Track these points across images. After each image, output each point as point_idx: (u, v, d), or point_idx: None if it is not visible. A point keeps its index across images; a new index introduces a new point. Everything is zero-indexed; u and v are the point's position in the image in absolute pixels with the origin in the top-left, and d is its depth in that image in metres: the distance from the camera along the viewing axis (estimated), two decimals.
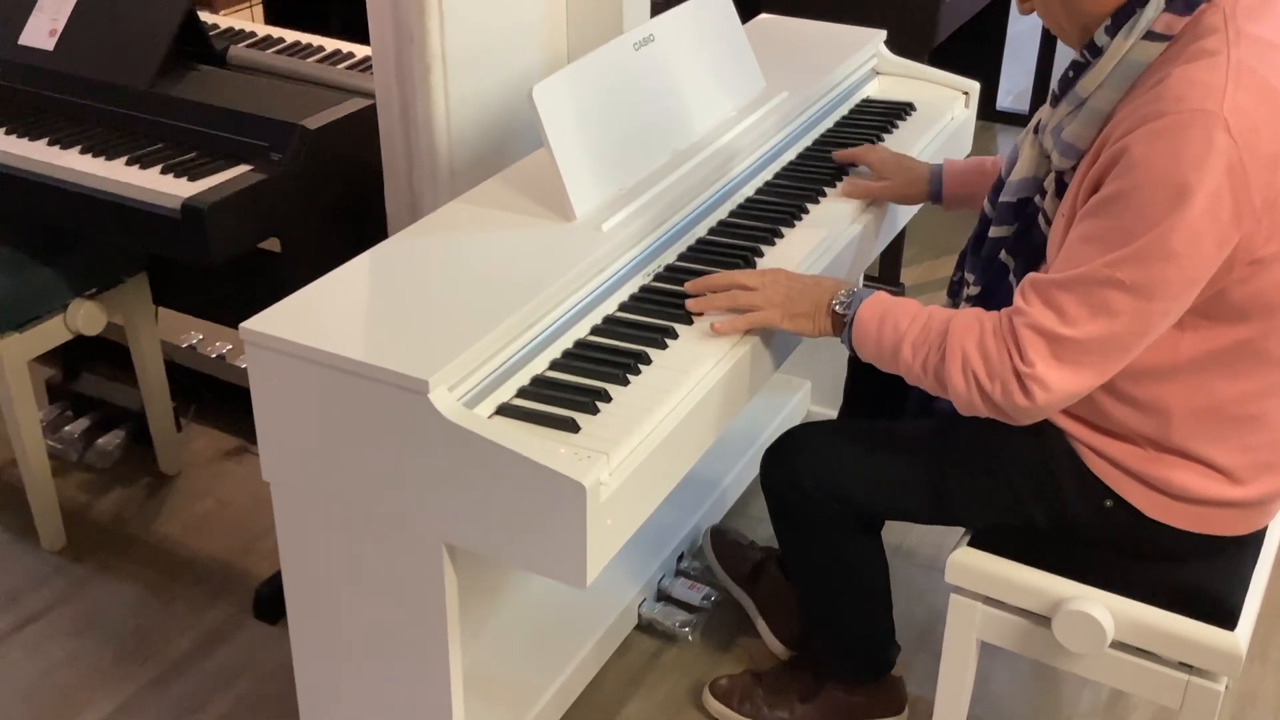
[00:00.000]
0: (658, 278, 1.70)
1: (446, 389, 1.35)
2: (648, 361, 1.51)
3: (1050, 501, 1.57)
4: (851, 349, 1.59)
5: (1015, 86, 4.58)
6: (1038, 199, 1.60)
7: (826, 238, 1.83)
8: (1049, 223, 1.57)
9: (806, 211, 1.89)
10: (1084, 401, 1.50)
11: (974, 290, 1.69)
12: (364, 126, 2.04)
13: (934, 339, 1.49)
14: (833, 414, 2.12)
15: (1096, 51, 1.46)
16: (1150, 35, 1.42)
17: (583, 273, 1.57)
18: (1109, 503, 1.54)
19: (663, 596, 2.18)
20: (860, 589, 1.81)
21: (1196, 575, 1.55)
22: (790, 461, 1.72)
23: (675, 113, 1.87)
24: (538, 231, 1.64)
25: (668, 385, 1.47)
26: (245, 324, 1.41)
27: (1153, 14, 1.41)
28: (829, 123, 2.20)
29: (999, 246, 1.65)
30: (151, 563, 2.33)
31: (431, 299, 1.48)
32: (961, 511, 1.64)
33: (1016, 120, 4.37)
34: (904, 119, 2.23)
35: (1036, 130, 1.61)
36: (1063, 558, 1.59)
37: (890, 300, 1.57)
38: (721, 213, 1.87)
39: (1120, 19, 1.43)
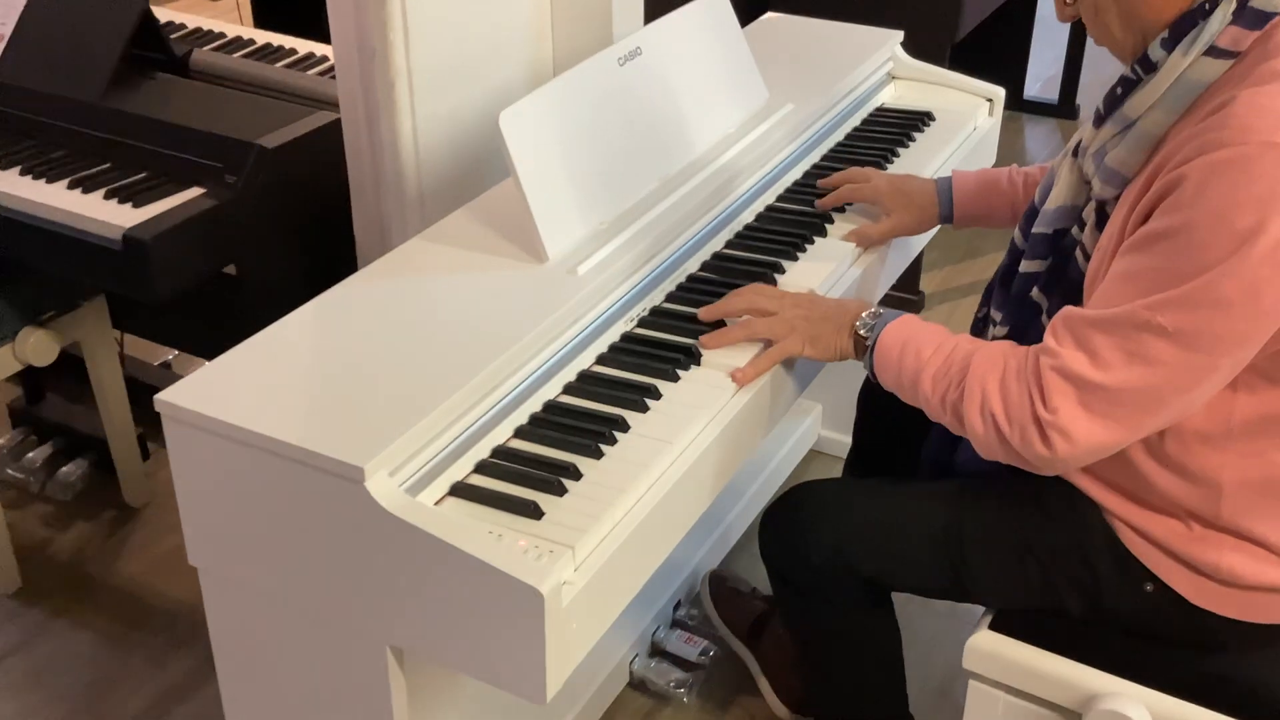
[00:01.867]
0: (642, 323, 1.52)
1: (387, 473, 1.18)
2: (625, 428, 1.33)
3: (1084, 584, 1.39)
4: (873, 375, 1.43)
5: (1044, 73, 4.34)
6: (1075, 231, 1.42)
7: (834, 271, 1.65)
8: (1088, 258, 1.38)
9: (811, 242, 1.70)
10: (1124, 470, 1.32)
11: (1000, 330, 1.50)
12: (331, 142, 1.86)
13: (955, 373, 1.32)
14: (846, 439, 1.93)
15: (1150, 67, 1.28)
16: (1213, 51, 1.24)
17: (554, 325, 1.39)
18: (1149, 587, 1.36)
19: (656, 651, 2.02)
20: (869, 662, 1.64)
21: (1245, 668, 1.37)
22: (792, 530, 1.54)
23: (665, 134, 1.68)
24: (506, 275, 1.46)
25: (647, 457, 1.30)
26: (162, 395, 1.24)
27: (1217, 27, 1.23)
28: (839, 135, 2.01)
29: (1031, 283, 1.47)
30: (111, 608, 2.17)
31: (377, 362, 1.30)
32: (984, 591, 1.46)
33: (1044, 110, 4.14)
34: (921, 130, 2.04)
35: (1075, 153, 1.43)
36: (1096, 645, 1.41)
37: (917, 325, 1.40)
38: (717, 243, 1.69)
39: (1180, 31, 1.25)
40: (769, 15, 2.28)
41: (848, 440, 1.92)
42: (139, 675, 2.04)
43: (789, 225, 1.74)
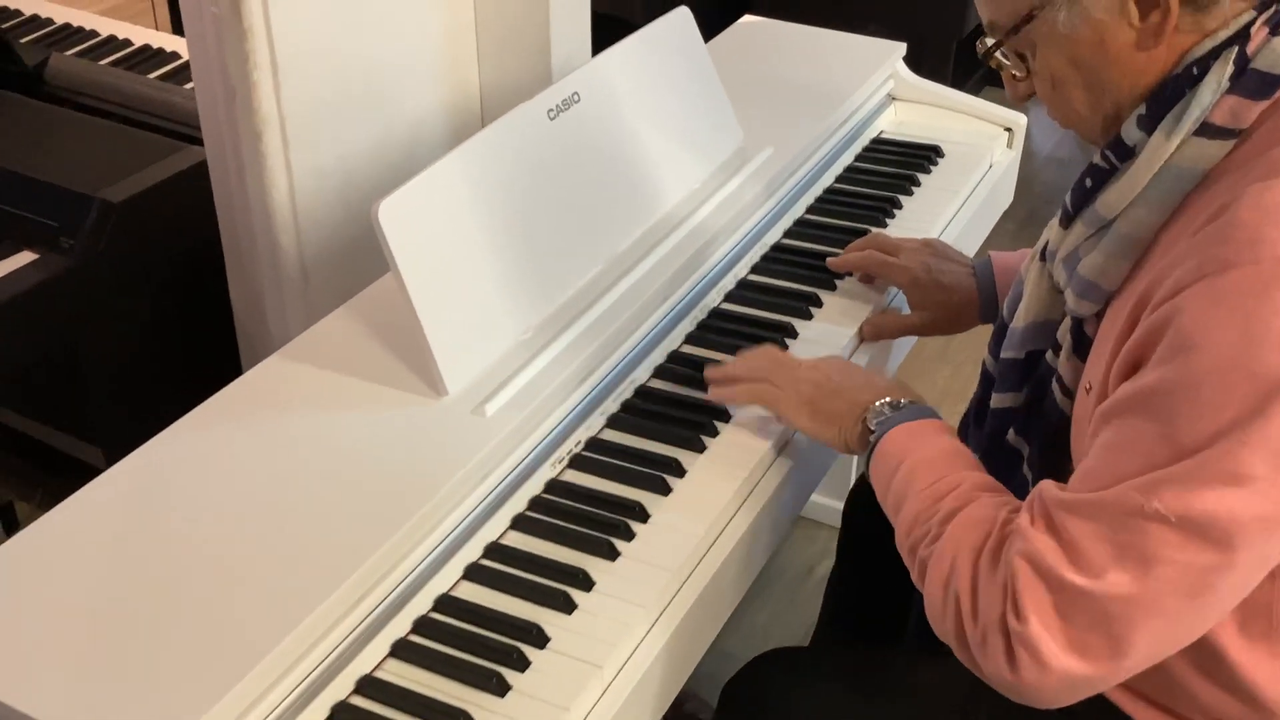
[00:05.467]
0: (575, 463, 1.18)
1: None
2: (542, 643, 0.99)
3: None
4: (870, 479, 1.11)
5: None
6: (1050, 356, 1.09)
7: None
8: (1068, 394, 1.06)
9: (795, 333, 1.35)
10: (1159, 678, 0.99)
11: None
12: (204, 190, 1.49)
13: (936, 523, 0.99)
14: (838, 506, 1.59)
15: (1126, 153, 0.97)
16: (1207, 129, 0.92)
17: (448, 498, 1.04)
18: None
19: None
20: None
21: None
22: (755, 714, 1.21)
23: (612, 203, 1.32)
24: (390, 420, 1.10)
25: (573, 686, 0.96)
26: None
27: (1210, 98, 0.92)
28: (828, 178, 1.65)
29: (1005, 422, 1.13)
30: None
31: (182, 589, 0.95)
32: None
33: None
34: (928, 170, 1.68)
35: (1044, 256, 1.09)
36: None
37: (930, 438, 1.07)
38: (675, 338, 1.34)
39: (1161, 104, 0.94)
40: (746, 19, 1.91)
41: (837, 507, 1.58)
42: None
43: (768, 306, 1.39)
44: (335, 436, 1.08)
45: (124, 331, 1.50)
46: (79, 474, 1.09)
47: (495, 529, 1.09)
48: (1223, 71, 0.92)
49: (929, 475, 1.03)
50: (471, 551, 1.07)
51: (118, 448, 1.09)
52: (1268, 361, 0.82)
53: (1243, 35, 0.92)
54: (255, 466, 1.05)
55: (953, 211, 1.62)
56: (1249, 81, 0.91)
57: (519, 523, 1.11)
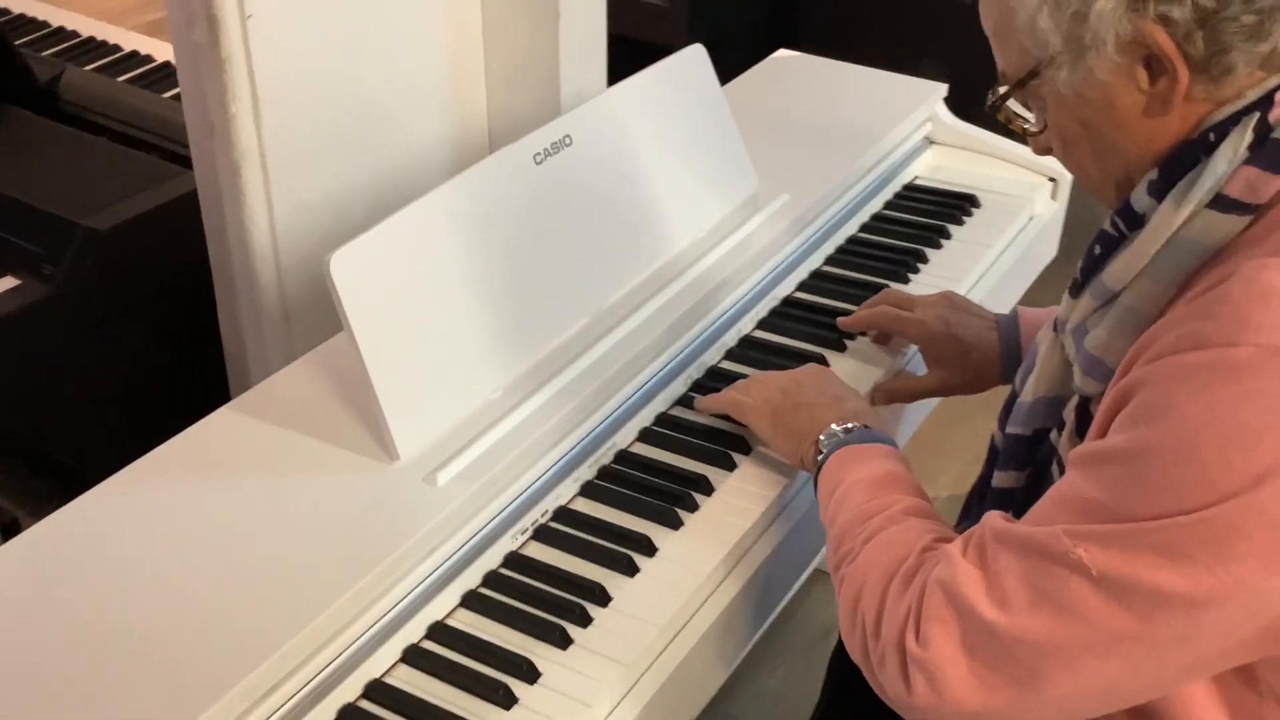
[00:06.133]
0: (540, 533, 1.10)
1: None
2: None
3: None
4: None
5: None
6: (1054, 435, 0.99)
7: None
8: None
9: None
10: None
11: None
12: (198, 216, 1.44)
13: (859, 542, 0.95)
14: None
15: (1135, 220, 0.89)
16: (1220, 202, 0.84)
17: (388, 573, 0.97)
18: None
19: None
20: None
21: None
22: None
23: (602, 251, 1.24)
24: (333, 483, 1.03)
25: None
26: None
27: (1225, 168, 0.83)
28: (852, 226, 1.56)
29: (1006, 502, 1.04)
30: None
31: (61, 674, 0.89)
32: None
33: None
34: (961, 221, 1.58)
35: (1057, 327, 1.00)
36: None
37: (872, 458, 1.04)
38: (665, 399, 1.25)
39: (1173, 172, 0.86)
40: (781, 54, 1.82)
41: None
42: None
43: (773, 366, 1.30)
44: (271, 500, 1.02)
45: (108, 360, 1.45)
46: (57, 500, 1.04)
47: (442, 606, 1.02)
48: (1240, 140, 0.83)
49: (862, 496, 1.00)
50: (413, 632, 0.99)
51: (97, 477, 1.05)
52: (1226, 457, 0.75)
53: (1265, 102, 0.83)
54: (177, 533, 0.98)
55: (983, 268, 1.52)
56: (1269, 152, 0.82)
57: (469, 600, 1.03)
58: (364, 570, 0.95)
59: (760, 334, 1.37)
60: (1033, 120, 0.96)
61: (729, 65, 1.58)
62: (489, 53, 1.48)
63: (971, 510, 1.13)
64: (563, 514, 1.12)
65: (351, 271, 1.01)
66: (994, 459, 1.08)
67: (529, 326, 1.16)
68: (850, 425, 1.08)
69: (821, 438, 1.08)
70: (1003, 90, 0.94)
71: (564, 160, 1.21)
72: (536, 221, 1.16)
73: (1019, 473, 1.04)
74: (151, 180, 1.50)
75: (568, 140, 1.22)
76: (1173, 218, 0.85)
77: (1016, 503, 1.04)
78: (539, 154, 1.19)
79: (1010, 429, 1.04)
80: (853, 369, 1.31)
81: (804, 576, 1.52)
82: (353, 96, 1.34)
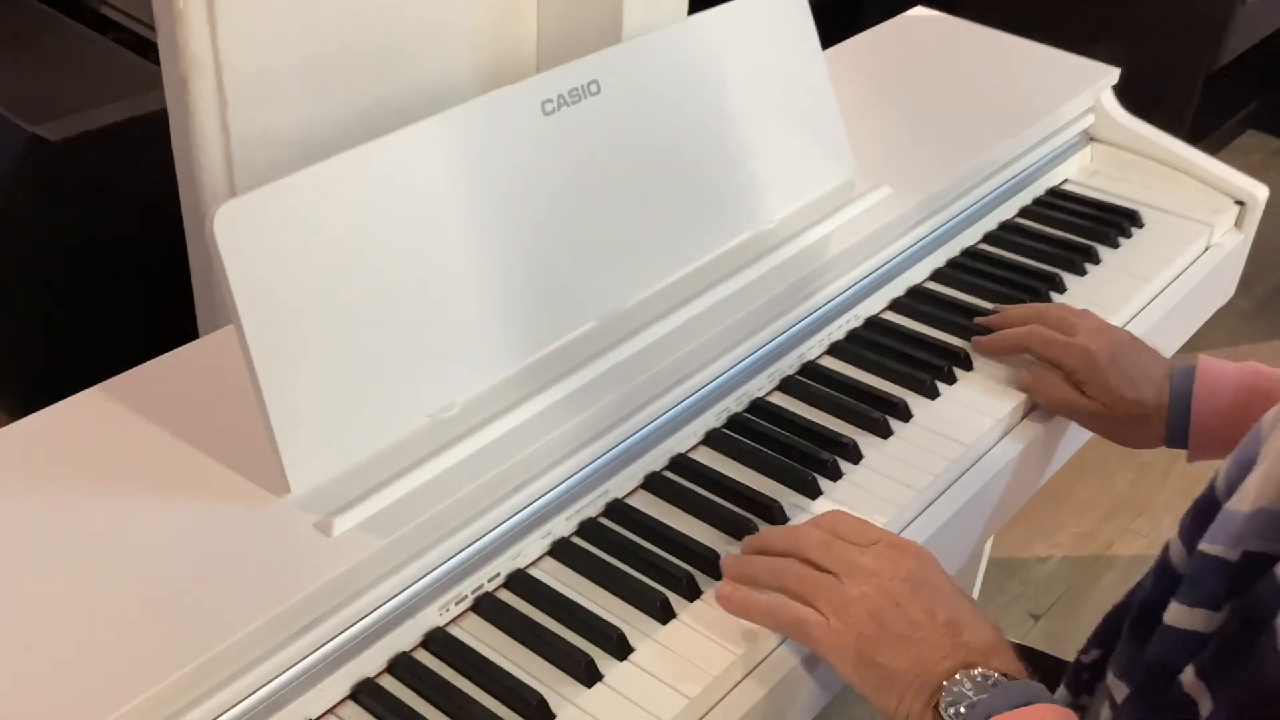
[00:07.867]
0: (480, 605, 0.82)
1: None
2: None
3: None
4: None
5: None
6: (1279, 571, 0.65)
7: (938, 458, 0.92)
8: None
9: (837, 471, 0.96)
10: None
11: (1118, 695, 0.75)
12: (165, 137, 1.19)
13: None
14: None
15: None
16: None
17: (251, 646, 0.70)
18: None
19: None
20: None
21: None
22: None
23: (615, 240, 0.95)
24: (202, 512, 0.77)
25: None
26: None
27: None
28: (973, 234, 1.24)
29: (1182, 653, 0.69)
30: None
31: None
32: None
33: None
34: (1116, 242, 1.25)
35: None
36: None
37: None
38: (682, 440, 0.96)
39: None
40: (917, 11, 1.49)
41: None
42: None
43: (830, 407, 1.00)
44: (124, 522, 0.76)
45: (52, 285, 1.23)
46: None
47: (328, 696, 0.75)
48: None
49: None
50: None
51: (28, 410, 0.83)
52: None
53: None
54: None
55: (1138, 305, 1.19)
56: None
57: (360, 693, 0.77)
58: (208, 644, 0.69)
59: (828, 362, 1.06)
60: None
61: (854, 19, 1.27)
62: None
63: (1112, 640, 0.80)
64: (518, 580, 0.84)
65: (244, 233, 0.74)
66: (1168, 582, 0.74)
67: (500, 330, 0.88)
68: (985, 673, 0.75)
69: (944, 702, 0.75)
70: None
71: (582, 113, 0.92)
72: (528, 193, 0.88)
73: (1212, 612, 0.70)
74: (130, 89, 1.26)
75: (594, 87, 0.93)
76: None
77: (1201, 660, 0.71)
78: (550, 101, 0.90)
79: (1207, 545, 0.71)
80: (946, 423, 1.00)
81: None
82: (351, 8, 1.07)
